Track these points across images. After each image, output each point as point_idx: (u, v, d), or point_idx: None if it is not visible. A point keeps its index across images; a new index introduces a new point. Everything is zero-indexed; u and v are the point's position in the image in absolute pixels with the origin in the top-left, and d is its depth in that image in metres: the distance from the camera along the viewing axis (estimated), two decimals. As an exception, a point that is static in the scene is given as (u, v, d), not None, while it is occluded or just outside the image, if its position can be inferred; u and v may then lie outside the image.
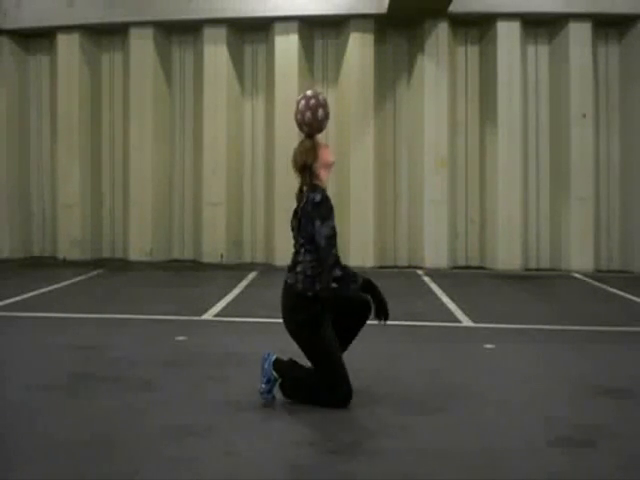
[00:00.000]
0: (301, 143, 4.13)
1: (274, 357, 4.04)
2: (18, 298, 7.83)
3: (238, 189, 11.71)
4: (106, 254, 12.08)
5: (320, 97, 4.09)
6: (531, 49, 11.23)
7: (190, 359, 5.14)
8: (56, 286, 8.85)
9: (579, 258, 10.70)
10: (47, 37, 12.00)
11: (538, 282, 9.85)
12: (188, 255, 11.90)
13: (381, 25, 11.17)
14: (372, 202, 11.07)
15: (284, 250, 10.98)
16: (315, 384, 3.99)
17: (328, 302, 3.99)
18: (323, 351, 3.95)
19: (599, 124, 11.08)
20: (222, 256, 11.40)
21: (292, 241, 4.16)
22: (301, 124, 4.08)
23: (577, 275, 10.30)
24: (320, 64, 11.67)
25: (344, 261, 4.16)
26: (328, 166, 4.11)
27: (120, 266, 11.21)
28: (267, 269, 10.76)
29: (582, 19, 10.72)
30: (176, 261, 11.78)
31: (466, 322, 6.71)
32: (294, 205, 4.20)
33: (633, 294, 8.38)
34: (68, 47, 11.70)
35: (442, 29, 10.96)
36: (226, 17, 11.21)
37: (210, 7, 11.17)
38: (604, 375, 4.81)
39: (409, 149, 11.39)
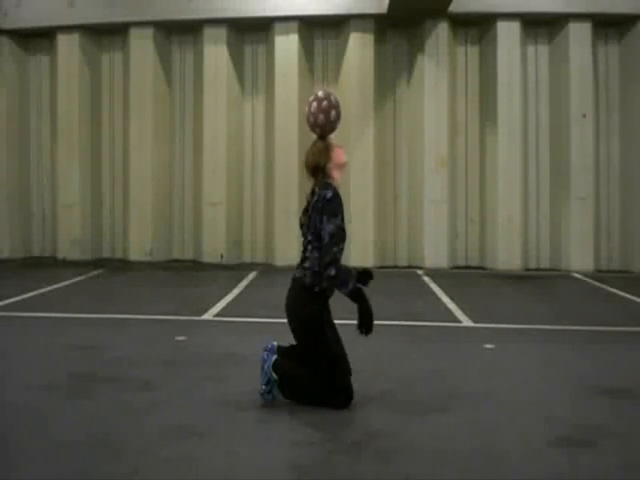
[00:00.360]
0: (314, 144, 4.11)
1: (274, 358, 4.02)
2: (18, 298, 7.83)
3: (238, 189, 11.71)
4: (106, 254, 12.07)
5: (332, 98, 4.08)
6: (531, 49, 11.23)
7: (190, 359, 5.14)
8: (56, 286, 8.85)
9: (579, 258, 10.70)
10: (47, 37, 12.00)
11: (538, 282, 9.85)
12: (188, 255, 11.90)
13: (381, 25, 11.17)
14: (372, 202, 11.07)
15: (284, 250, 11.06)
16: (315, 384, 3.98)
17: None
18: (326, 350, 3.94)
19: (599, 124, 11.08)
20: (222, 256, 11.40)
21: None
22: (313, 126, 4.07)
23: (577, 275, 10.30)
24: (320, 64, 11.67)
25: (344, 261, 4.14)
26: (341, 166, 4.10)
27: (120, 266, 11.21)
28: (267, 269, 10.75)
29: (582, 19, 10.72)
30: (176, 261, 11.78)
31: (466, 322, 6.71)
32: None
33: (633, 294, 8.38)
34: (68, 47, 11.70)
35: (442, 29, 10.96)
36: (226, 17, 11.21)
37: (210, 7, 11.17)
38: (604, 375, 4.81)
39: (409, 149, 11.39)
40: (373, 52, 11.09)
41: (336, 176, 4.07)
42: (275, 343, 4.15)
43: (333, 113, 4.04)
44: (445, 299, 8.01)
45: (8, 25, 11.77)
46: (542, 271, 10.88)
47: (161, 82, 11.82)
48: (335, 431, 3.64)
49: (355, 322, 3.86)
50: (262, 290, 8.72)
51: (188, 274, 10.46)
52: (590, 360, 5.26)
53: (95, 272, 10.30)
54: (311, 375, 4.00)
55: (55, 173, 12.05)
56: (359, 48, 11.08)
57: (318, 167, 4.03)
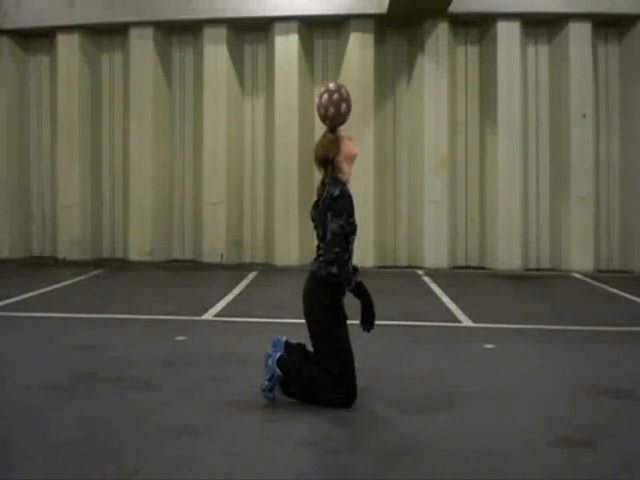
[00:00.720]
0: (324, 136, 4.11)
1: (278, 354, 4.00)
2: (18, 298, 7.83)
3: (238, 189, 11.71)
4: (106, 254, 12.07)
5: (343, 91, 4.07)
6: (531, 49, 11.23)
7: (190, 359, 5.14)
8: (56, 286, 8.85)
9: (579, 258, 10.70)
10: (47, 37, 12.00)
11: (538, 282, 9.85)
12: (188, 255, 11.90)
13: (381, 25, 11.17)
14: (372, 202, 11.07)
15: (284, 250, 11.07)
16: (321, 383, 3.96)
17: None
18: (338, 349, 3.94)
19: (599, 124, 11.08)
20: (222, 256, 11.40)
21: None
22: (324, 118, 4.07)
23: (577, 275, 10.29)
24: (320, 64, 11.67)
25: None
26: (351, 159, 4.11)
27: (120, 266, 11.21)
28: (267, 269, 10.75)
29: (582, 19, 10.72)
30: (176, 261, 11.78)
31: (466, 322, 6.71)
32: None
33: (633, 294, 8.38)
34: (68, 47, 11.71)
35: (442, 29, 10.96)
36: (226, 17, 11.21)
37: (210, 7, 11.17)
38: (604, 375, 4.81)
39: (409, 149, 11.39)
40: (373, 52, 11.09)
41: (346, 169, 4.08)
42: (284, 338, 4.12)
43: (344, 106, 4.04)
44: (445, 299, 8.01)
45: (8, 25, 11.77)
46: (542, 271, 10.88)
47: (161, 82, 11.83)
48: (335, 431, 3.64)
49: (354, 322, 3.86)
50: (262, 290, 8.72)
51: (188, 274, 10.46)
52: (590, 360, 5.25)
53: (95, 272, 10.30)
54: (316, 373, 3.98)
55: (55, 173, 12.05)
56: (359, 48, 11.09)
57: (327, 159, 4.03)
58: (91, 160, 11.95)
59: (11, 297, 7.83)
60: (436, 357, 5.31)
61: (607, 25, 10.97)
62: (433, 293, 8.57)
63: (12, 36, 11.96)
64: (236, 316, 6.89)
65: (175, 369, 4.88)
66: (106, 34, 11.99)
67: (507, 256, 10.80)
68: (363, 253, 10.88)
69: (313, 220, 4.15)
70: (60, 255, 11.85)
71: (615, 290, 8.79)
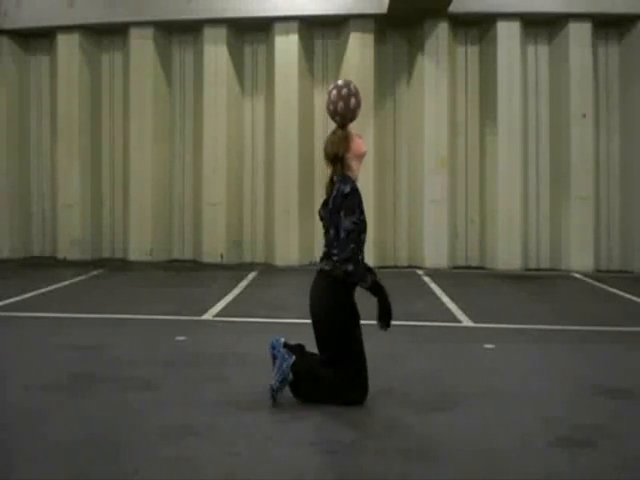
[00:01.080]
0: (333, 133, 4.09)
1: (292, 360, 3.92)
2: (18, 298, 7.83)
3: (238, 189, 11.71)
4: (106, 254, 12.08)
5: (351, 86, 4.07)
6: (531, 49, 11.23)
7: (190, 359, 5.14)
8: (56, 286, 8.85)
9: (579, 258, 10.70)
10: (47, 37, 12.00)
11: (538, 282, 9.85)
12: (188, 255, 11.90)
13: (381, 25, 11.17)
14: (372, 202, 11.05)
15: (284, 250, 11.07)
16: (333, 384, 3.95)
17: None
18: (353, 348, 3.93)
19: (599, 124, 11.08)
20: (222, 256, 11.40)
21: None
22: (333, 114, 4.06)
23: (577, 275, 10.29)
24: (320, 64, 11.67)
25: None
26: (360, 156, 4.08)
27: (120, 266, 11.21)
28: (267, 269, 10.75)
29: (582, 19, 10.72)
30: (176, 261, 11.78)
31: (466, 322, 6.71)
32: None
33: (633, 294, 8.38)
34: (68, 47, 11.71)
35: (442, 29, 10.96)
36: (226, 17, 11.21)
37: (210, 7, 11.17)
38: (604, 375, 4.81)
39: (409, 149, 11.39)
40: (373, 52, 11.09)
41: (355, 167, 4.05)
42: (282, 339, 4.08)
43: (353, 100, 4.03)
44: (445, 299, 8.01)
45: (8, 25, 11.77)
46: (542, 271, 10.88)
47: (161, 82, 11.83)
48: (335, 431, 3.64)
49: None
50: (262, 290, 8.72)
51: (188, 274, 10.46)
52: (590, 360, 5.25)
53: (95, 272, 10.30)
54: (328, 374, 3.96)
55: (55, 173, 12.05)
56: (359, 48, 11.08)
57: (337, 156, 4.00)
58: (91, 160, 11.95)
59: (11, 297, 7.83)
60: (436, 357, 5.31)
61: (607, 25, 10.97)
62: (433, 293, 8.57)
63: (12, 36, 11.96)
64: (236, 316, 6.89)
65: (175, 369, 4.88)
66: (106, 34, 11.99)
67: (507, 256, 10.81)
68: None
69: (322, 219, 4.08)
70: (60, 255, 11.85)
71: (615, 290, 8.79)
